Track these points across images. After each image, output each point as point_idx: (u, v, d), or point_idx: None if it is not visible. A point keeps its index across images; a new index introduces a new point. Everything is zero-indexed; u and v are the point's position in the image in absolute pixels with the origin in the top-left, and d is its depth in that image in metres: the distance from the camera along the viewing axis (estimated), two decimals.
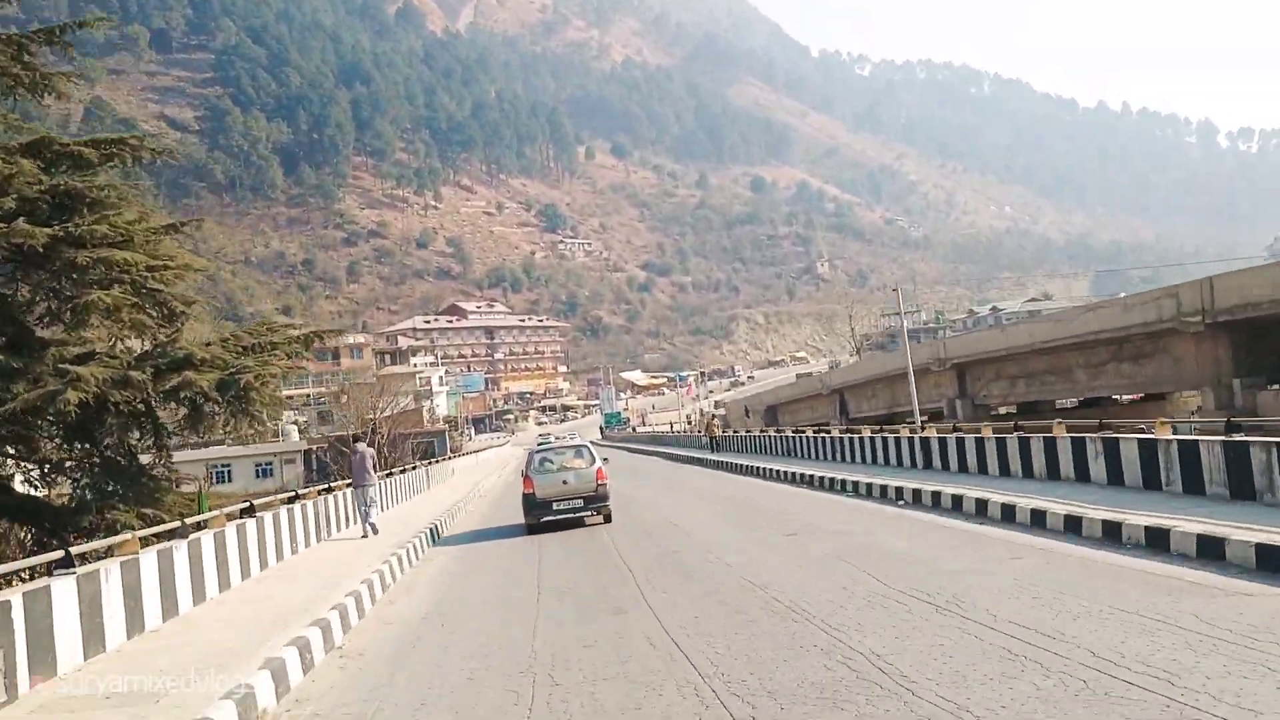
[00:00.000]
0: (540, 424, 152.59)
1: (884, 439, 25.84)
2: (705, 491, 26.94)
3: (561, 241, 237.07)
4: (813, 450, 33.05)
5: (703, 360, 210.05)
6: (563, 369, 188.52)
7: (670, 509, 22.20)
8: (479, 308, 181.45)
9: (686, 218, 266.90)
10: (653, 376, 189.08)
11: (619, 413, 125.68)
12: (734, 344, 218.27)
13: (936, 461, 22.12)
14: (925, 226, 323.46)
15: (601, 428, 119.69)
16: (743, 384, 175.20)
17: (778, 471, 29.08)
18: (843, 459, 28.98)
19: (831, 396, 70.93)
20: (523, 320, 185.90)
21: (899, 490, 18.91)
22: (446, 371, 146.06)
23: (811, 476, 25.05)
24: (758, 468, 32.08)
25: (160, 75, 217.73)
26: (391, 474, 33.15)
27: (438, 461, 51.25)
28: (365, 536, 19.76)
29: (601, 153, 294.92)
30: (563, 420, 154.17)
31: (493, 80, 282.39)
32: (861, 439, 27.81)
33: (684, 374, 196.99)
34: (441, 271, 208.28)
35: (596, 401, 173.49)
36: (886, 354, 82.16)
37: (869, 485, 20.62)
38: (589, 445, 21.16)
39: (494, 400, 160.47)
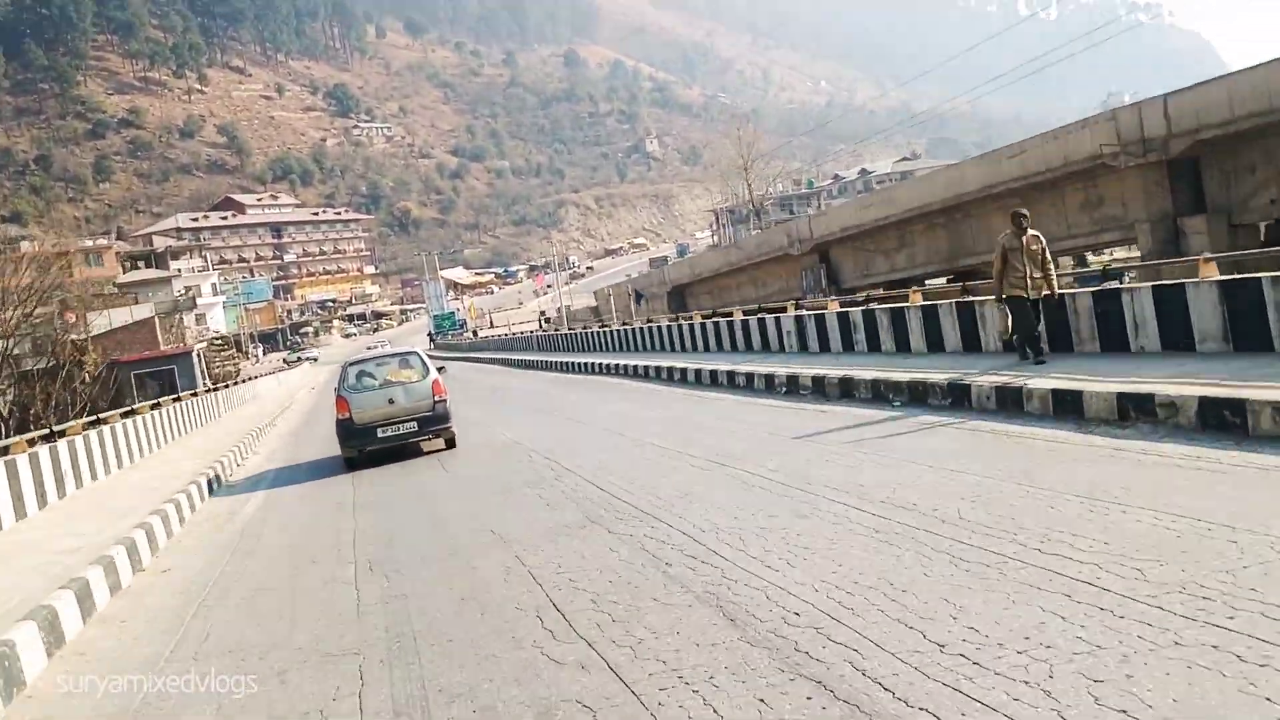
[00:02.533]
0: (348, 335, 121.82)
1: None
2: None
3: (356, 127, 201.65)
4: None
5: (531, 253, 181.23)
6: (370, 270, 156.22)
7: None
8: (260, 200, 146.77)
9: (496, 98, 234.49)
10: (478, 273, 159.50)
11: (452, 314, 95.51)
12: (564, 232, 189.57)
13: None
14: (746, 104, 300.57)
15: (431, 334, 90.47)
16: (583, 275, 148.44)
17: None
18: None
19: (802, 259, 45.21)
20: (316, 214, 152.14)
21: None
22: (223, 278, 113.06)
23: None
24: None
25: None
26: None
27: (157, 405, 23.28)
28: None
29: (394, 31, 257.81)
30: (376, 330, 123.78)
31: None
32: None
33: (513, 268, 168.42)
34: (214, 164, 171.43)
35: (416, 305, 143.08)
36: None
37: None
38: (418, 351, 15.84)
39: (287, 311, 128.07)
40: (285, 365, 79.15)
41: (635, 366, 24.17)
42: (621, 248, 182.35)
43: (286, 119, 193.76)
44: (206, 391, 34.12)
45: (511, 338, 61.78)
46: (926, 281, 34.80)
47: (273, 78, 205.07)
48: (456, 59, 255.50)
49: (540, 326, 75.55)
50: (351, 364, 15.55)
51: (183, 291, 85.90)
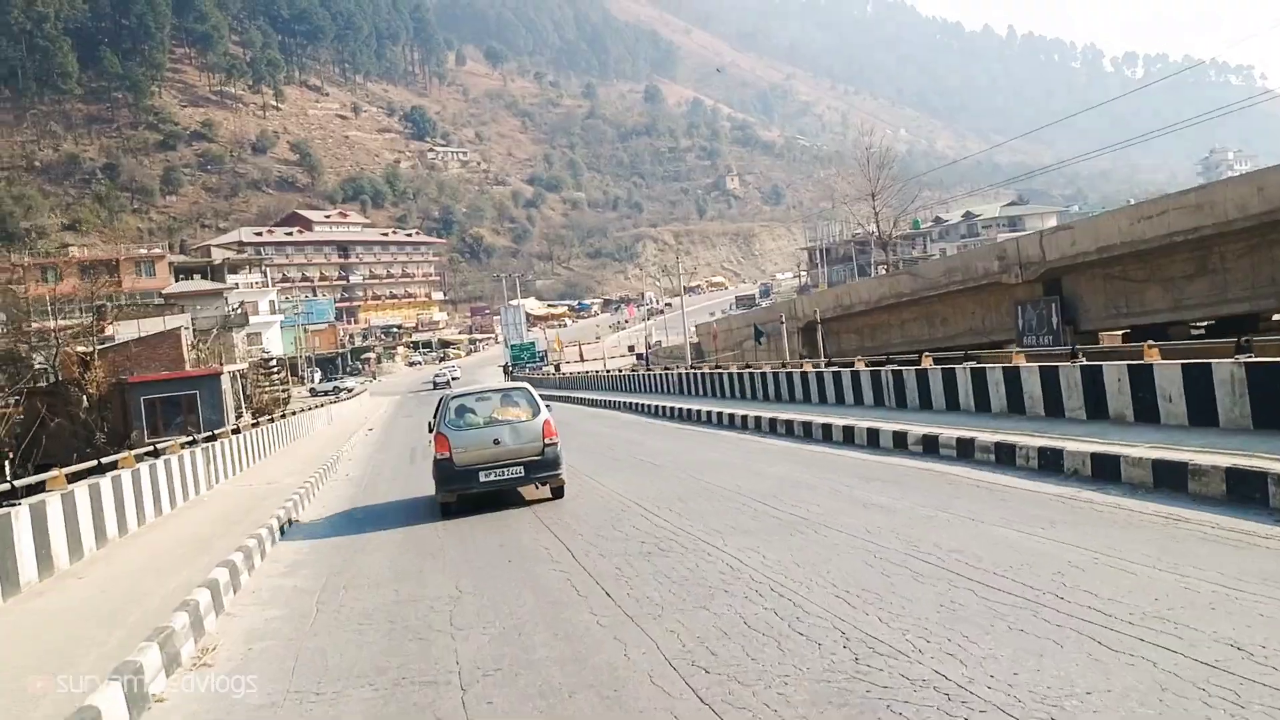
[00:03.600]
0: (413, 364, 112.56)
1: None
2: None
3: (431, 150, 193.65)
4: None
5: (605, 286, 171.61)
6: (438, 296, 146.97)
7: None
8: (329, 217, 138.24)
9: (575, 129, 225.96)
10: (550, 305, 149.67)
11: (532, 344, 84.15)
12: (641, 268, 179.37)
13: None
14: (826, 147, 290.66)
15: (506, 366, 79.97)
16: (661, 311, 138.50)
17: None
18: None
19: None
20: (386, 234, 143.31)
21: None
22: (284, 297, 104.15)
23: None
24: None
25: None
26: None
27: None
28: None
29: (474, 60, 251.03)
30: (442, 359, 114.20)
31: None
32: None
33: (586, 301, 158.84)
34: (284, 181, 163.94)
35: (485, 336, 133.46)
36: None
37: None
38: (527, 387, 14.37)
39: (350, 336, 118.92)
40: (314, 396, 67.46)
41: (786, 423, 19.14)
42: (699, 286, 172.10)
43: (361, 139, 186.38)
44: (233, 432, 23.74)
45: (608, 375, 51.29)
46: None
47: (349, 98, 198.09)
48: (536, 89, 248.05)
49: (635, 364, 65.13)
50: (453, 397, 14.03)
51: (235, 307, 76.59)
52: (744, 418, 21.82)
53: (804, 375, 24.10)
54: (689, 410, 26.69)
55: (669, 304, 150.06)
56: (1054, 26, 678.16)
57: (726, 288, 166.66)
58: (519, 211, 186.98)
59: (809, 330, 46.67)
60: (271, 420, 29.71)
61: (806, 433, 18.02)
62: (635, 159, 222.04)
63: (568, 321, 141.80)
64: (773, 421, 19.93)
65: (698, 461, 16.07)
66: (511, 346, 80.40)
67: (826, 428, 17.17)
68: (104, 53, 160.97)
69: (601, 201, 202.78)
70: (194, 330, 51.48)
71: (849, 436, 16.30)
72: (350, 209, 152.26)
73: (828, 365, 25.44)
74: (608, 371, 54.78)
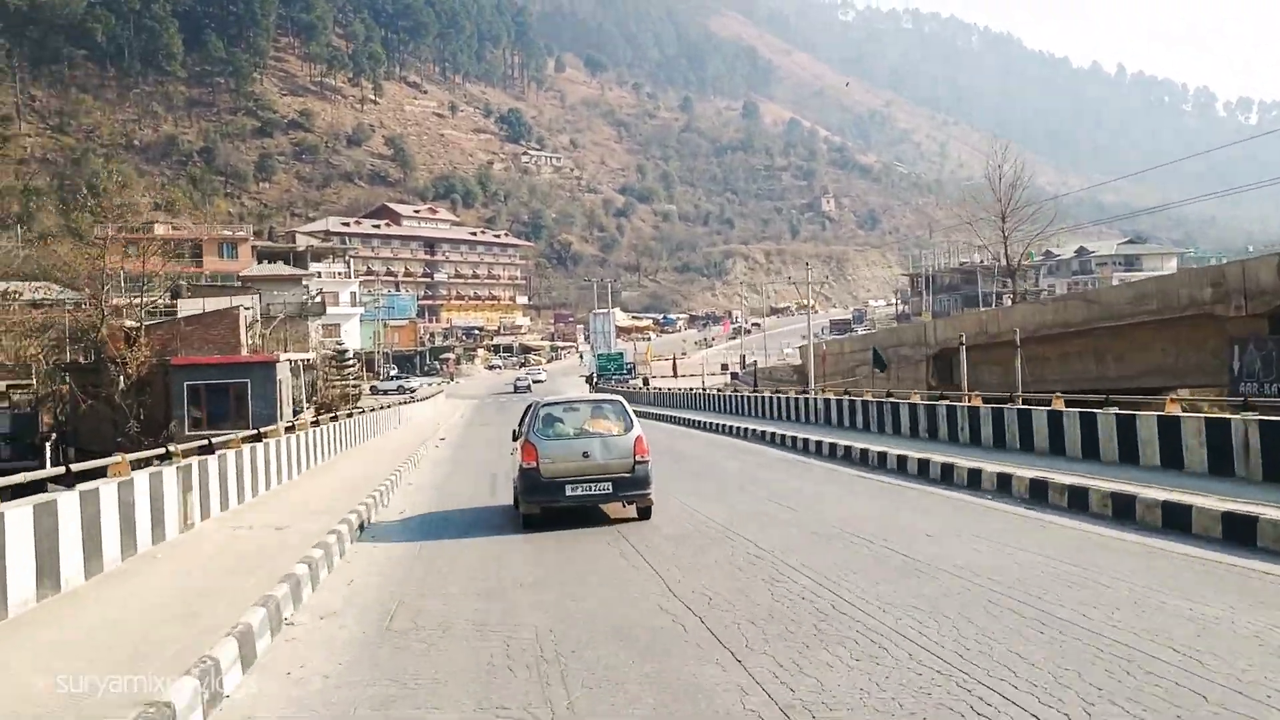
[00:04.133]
0: (492, 367, 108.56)
1: None
2: None
3: (525, 153, 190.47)
4: None
5: (692, 301, 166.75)
6: (522, 300, 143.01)
7: None
8: (418, 212, 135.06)
9: (670, 141, 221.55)
10: (635, 317, 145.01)
11: (621, 355, 78.64)
12: (729, 285, 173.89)
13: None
14: (924, 176, 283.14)
15: (591, 377, 74.98)
16: (748, 331, 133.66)
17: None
18: None
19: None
20: (475, 234, 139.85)
21: None
22: (366, 290, 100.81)
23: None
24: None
25: None
26: None
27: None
28: None
29: (573, 67, 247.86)
30: (523, 364, 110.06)
31: None
32: None
33: (672, 316, 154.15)
34: (376, 175, 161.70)
35: (567, 344, 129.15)
36: None
37: None
38: (620, 400, 13.75)
39: (431, 334, 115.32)
40: (375, 395, 61.44)
41: (944, 467, 15.59)
42: (788, 307, 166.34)
43: (456, 138, 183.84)
44: (287, 429, 19.04)
45: (706, 394, 46.10)
46: None
47: (447, 96, 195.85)
48: (633, 99, 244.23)
49: (730, 382, 59.85)
50: (543, 405, 13.41)
51: (314, 294, 72.91)
52: (885, 456, 18.19)
53: (971, 411, 19.15)
54: (815, 442, 22.45)
55: (757, 324, 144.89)
56: (1166, 67, 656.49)
57: (816, 311, 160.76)
58: (609, 220, 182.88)
59: (941, 358, 41.11)
60: (335, 418, 25.11)
61: (1000, 487, 13.91)
62: (729, 174, 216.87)
63: (651, 335, 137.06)
64: (924, 464, 16.36)
65: (846, 516, 12.62)
66: (598, 356, 74.97)
67: (1040, 485, 13.00)
68: (209, 37, 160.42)
69: (693, 215, 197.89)
70: (263, 315, 47.40)
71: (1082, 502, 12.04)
72: (440, 206, 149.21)
73: (1008, 401, 20.14)
74: (704, 390, 49.57)
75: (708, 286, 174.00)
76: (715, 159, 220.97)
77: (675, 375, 74.36)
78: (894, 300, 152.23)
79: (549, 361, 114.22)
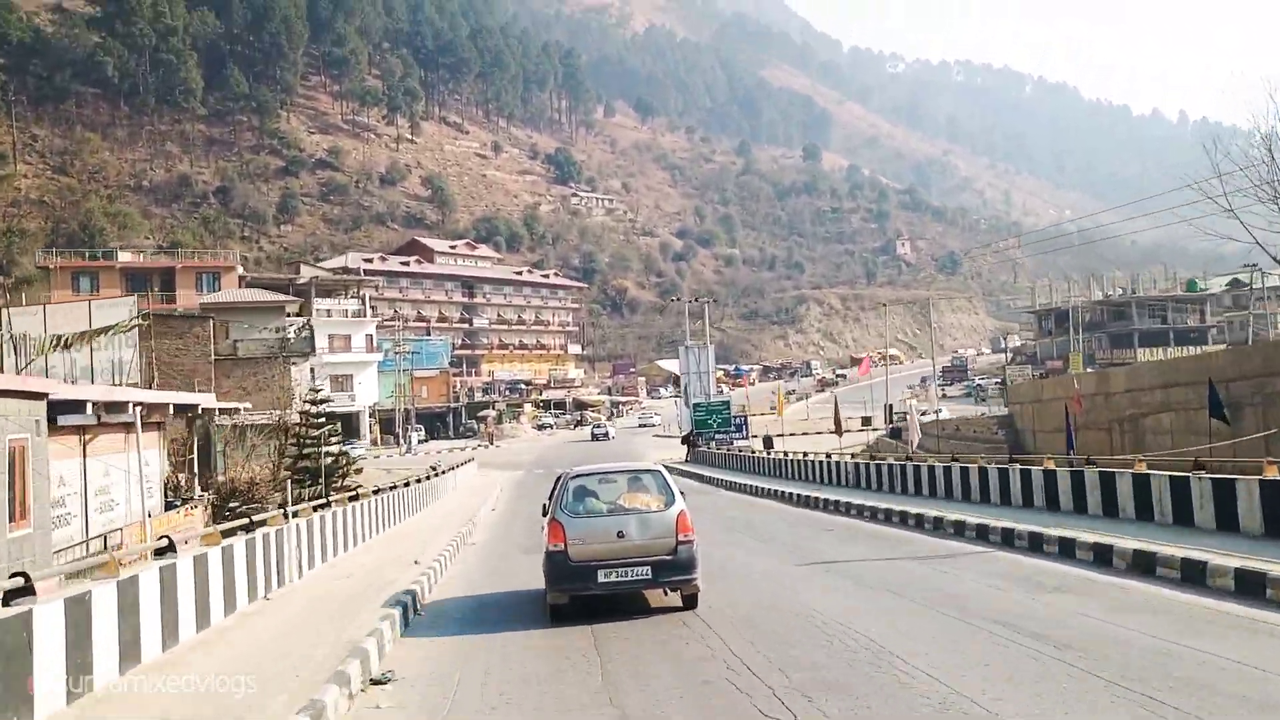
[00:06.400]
0: (542, 426, 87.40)
1: None
2: None
3: (575, 195, 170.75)
4: None
5: (763, 351, 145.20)
6: (574, 349, 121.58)
7: None
8: (454, 248, 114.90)
9: (728, 184, 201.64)
10: None
11: (725, 404, 54.45)
12: (804, 333, 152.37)
13: None
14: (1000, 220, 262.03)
15: (688, 438, 52.63)
16: (834, 384, 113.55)
17: None
18: None
19: None
20: (520, 273, 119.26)
21: None
22: (386, 333, 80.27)
23: None
24: None
25: None
26: None
27: None
28: None
29: (623, 113, 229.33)
30: (578, 424, 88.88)
31: (493, 16, 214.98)
32: None
33: (742, 367, 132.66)
34: (412, 217, 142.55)
35: (628, 399, 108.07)
36: None
37: None
38: (660, 470, 11.64)
39: (469, 389, 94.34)
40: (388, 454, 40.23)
41: None
42: (870, 357, 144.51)
43: (500, 179, 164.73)
44: None
45: (925, 466, 24.29)
46: None
47: (490, 137, 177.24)
48: (686, 144, 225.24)
49: (888, 441, 38.10)
50: (573, 476, 11.22)
51: (299, 328, 52.12)
52: None
53: None
54: None
55: (842, 374, 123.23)
56: (1232, 113, 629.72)
57: (901, 361, 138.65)
58: (667, 265, 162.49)
59: None
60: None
61: None
62: (794, 218, 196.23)
63: (724, 388, 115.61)
64: None
65: None
66: (695, 407, 51.54)
67: None
68: (231, 72, 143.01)
69: (757, 260, 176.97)
70: (228, 356, 26.55)
71: None
72: (480, 245, 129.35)
73: None
74: (874, 457, 27.87)
75: (779, 335, 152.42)
76: (778, 202, 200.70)
77: (808, 432, 52.20)
78: (1002, 345, 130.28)
79: (608, 418, 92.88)
